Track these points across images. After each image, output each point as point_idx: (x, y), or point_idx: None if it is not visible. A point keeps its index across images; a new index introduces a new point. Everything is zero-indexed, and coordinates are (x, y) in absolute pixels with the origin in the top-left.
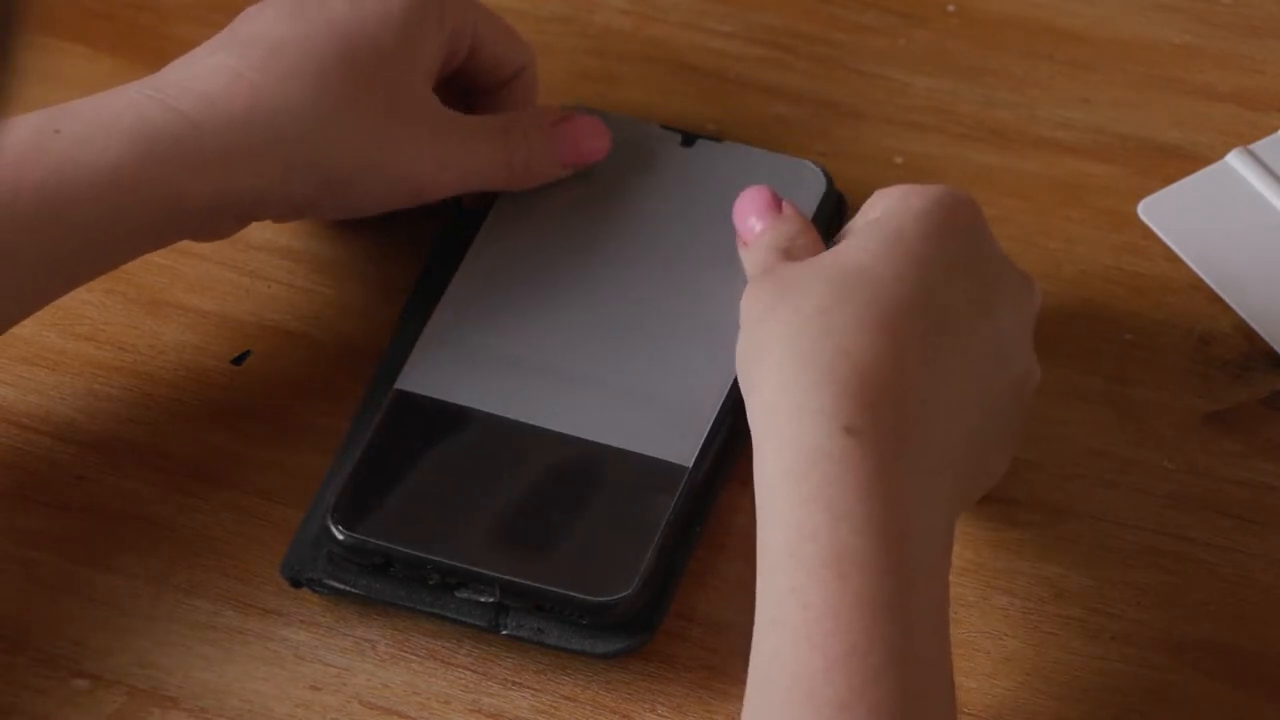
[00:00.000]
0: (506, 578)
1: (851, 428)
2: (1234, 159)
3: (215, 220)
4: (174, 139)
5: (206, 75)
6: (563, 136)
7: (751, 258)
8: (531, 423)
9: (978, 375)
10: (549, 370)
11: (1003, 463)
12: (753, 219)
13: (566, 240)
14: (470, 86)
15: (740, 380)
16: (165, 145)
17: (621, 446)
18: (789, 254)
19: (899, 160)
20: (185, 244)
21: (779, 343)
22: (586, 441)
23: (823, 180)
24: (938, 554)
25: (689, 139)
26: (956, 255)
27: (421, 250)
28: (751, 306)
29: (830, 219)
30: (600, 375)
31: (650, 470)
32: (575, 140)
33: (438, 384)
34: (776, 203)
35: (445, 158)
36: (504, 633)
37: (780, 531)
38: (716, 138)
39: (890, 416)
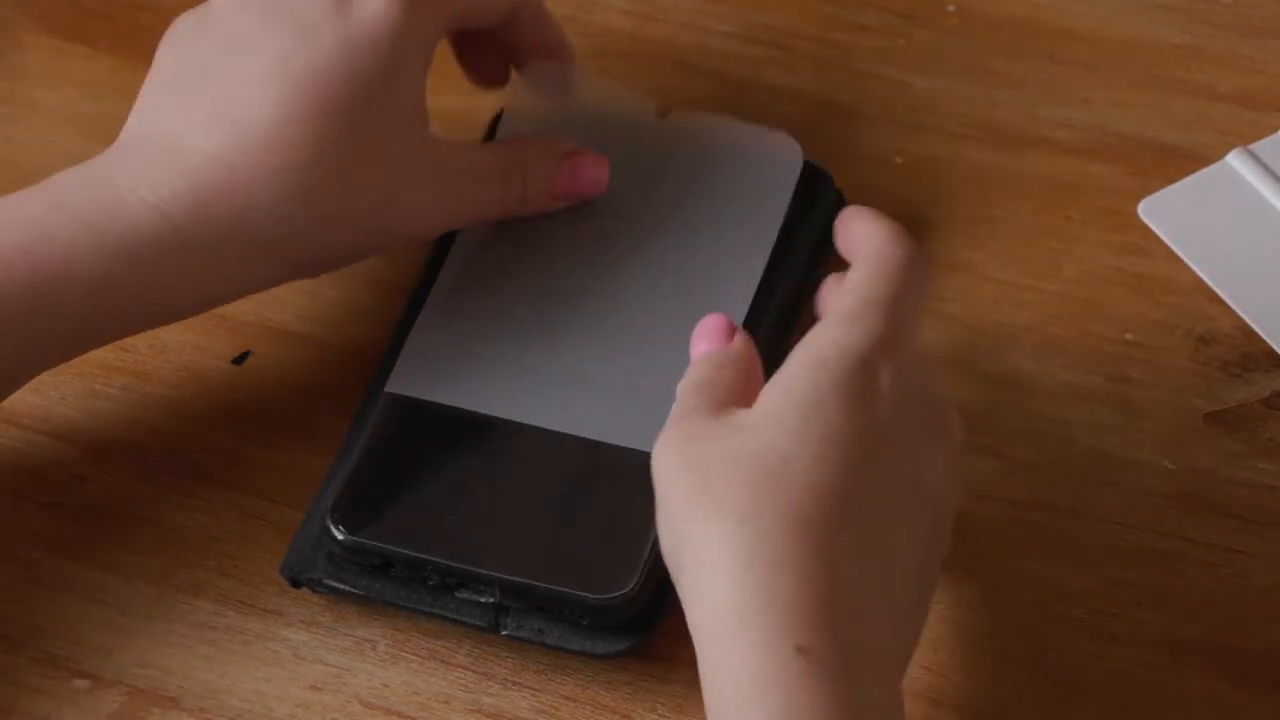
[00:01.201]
0: (506, 578)
1: (802, 647)
2: (1234, 159)
3: (202, 309)
4: (164, 250)
5: (199, 170)
6: (563, 170)
7: (682, 384)
8: (527, 422)
9: (905, 532)
10: (540, 368)
11: (935, 582)
12: (702, 345)
13: (549, 229)
14: (469, 38)
15: (666, 559)
16: (154, 255)
17: (619, 444)
18: (711, 390)
19: (899, 160)
20: None
21: (708, 553)
22: (584, 440)
23: (798, 152)
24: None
25: (664, 110)
26: (876, 417)
27: (422, 251)
28: (665, 470)
29: (829, 219)
30: (592, 371)
31: (649, 468)
32: (574, 175)
33: (426, 386)
34: (730, 331)
35: (441, 205)
36: (504, 633)
37: None
38: (691, 109)
39: (831, 624)
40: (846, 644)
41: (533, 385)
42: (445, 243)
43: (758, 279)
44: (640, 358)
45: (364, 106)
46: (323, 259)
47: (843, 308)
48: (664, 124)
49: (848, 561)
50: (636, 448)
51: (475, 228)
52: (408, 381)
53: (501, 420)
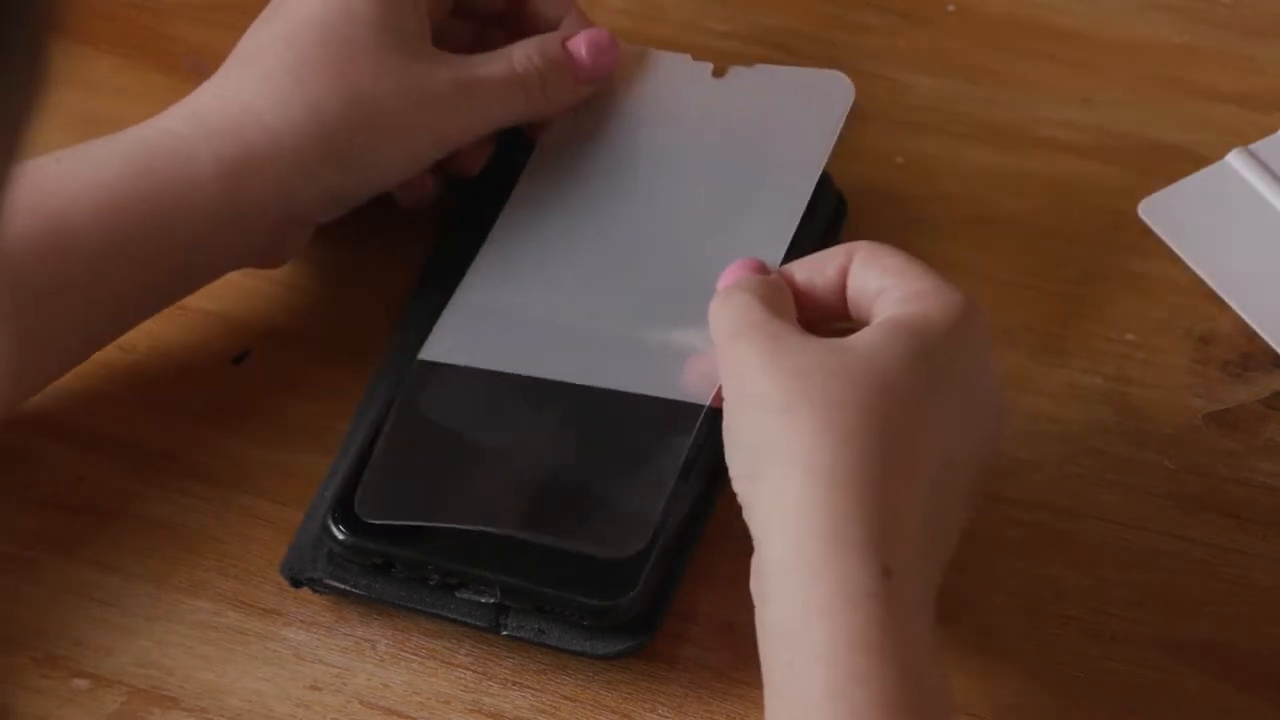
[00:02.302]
0: (507, 579)
1: (889, 568)
2: (1234, 159)
3: (275, 233)
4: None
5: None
6: (572, 52)
7: (726, 303)
8: (546, 377)
9: (960, 487)
10: (578, 326)
11: (955, 542)
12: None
13: (599, 189)
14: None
15: (739, 457)
16: (253, 169)
17: (653, 394)
18: (776, 307)
19: (899, 160)
20: None
21: (806, 458)
22: (588, 435)
23: (848, 86)
24: (934, 660)
25: (720, 70)
26: (971, 381)
27: (423, 250)
28: (757, 370)
29: (831, 219)
30: (629, 327)
31: (653, 450)
32: (584, 53)
33: (456, 350)
34: (763, 268)
35: (456, 105)
36: (504, 633)
37: (820, 670)
38: (747, 63)
39: (909, 552)
40: (919, 574)
41: (567, 343)
42: (461, 215)
43: (798, 219)
44: (677, 307)
45: (363, 39)
46: (379, 174)
47: (913, 285)
48: (720, 82)
49: (920, 497)
50: (666, 396)
51: (532, 188)
52: (440, 349)
53: (506, 420)
